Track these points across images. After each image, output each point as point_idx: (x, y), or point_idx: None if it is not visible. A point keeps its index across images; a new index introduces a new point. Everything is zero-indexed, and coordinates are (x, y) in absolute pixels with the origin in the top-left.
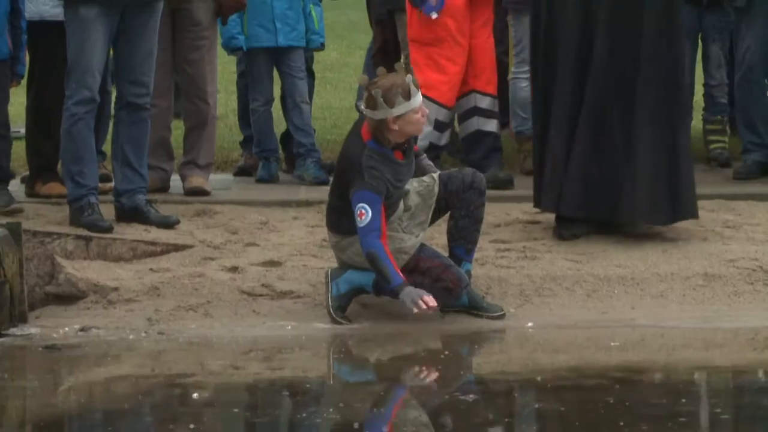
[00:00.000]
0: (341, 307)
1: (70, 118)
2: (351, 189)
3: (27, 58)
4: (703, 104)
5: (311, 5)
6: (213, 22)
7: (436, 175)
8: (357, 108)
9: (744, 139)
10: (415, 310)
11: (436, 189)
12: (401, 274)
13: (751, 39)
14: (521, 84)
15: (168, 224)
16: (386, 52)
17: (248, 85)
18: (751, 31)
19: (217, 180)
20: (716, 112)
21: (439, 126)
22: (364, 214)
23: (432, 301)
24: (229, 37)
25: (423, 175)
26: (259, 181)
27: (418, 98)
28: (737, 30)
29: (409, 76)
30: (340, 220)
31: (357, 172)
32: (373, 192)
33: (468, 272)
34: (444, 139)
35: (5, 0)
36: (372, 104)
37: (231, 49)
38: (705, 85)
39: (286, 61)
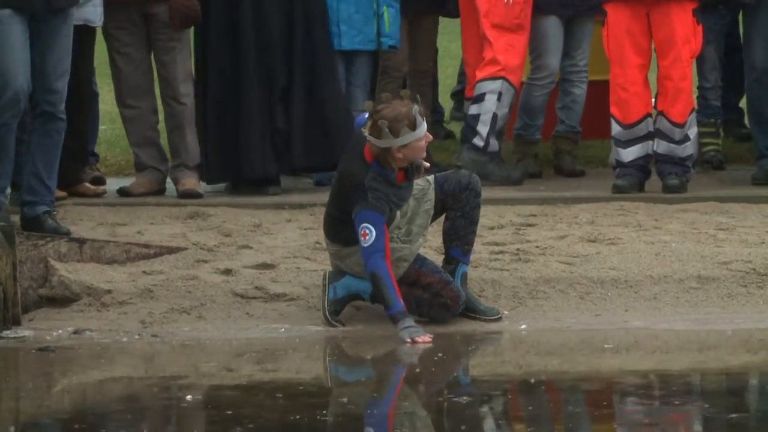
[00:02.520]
0: (336, 311)
1: None
2: (354, 209)
3: None
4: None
5: (385, 6)
6: None
7: (431, 178)
8: (358, 131)
9: (759, 144)
10: (408, 343)
11: (432, 192)
12: (401, 299)
13: (762, 41)
14: (535, 92)
15: (60, 232)
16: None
17: None
18: (761, 33)
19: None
20: (709, 114)
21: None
22: (368, 234)
23: (427, 339)
24: None
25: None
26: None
27: (423, 128)
28: (745, 31)
29: (415, 106)
30: (339, 230)
31: (360, 192)
32: (376, 212)
33: (465, 274)
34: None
35: None
36: (377, 133)
37: None
38: (699, 87)
39: (349, 67)
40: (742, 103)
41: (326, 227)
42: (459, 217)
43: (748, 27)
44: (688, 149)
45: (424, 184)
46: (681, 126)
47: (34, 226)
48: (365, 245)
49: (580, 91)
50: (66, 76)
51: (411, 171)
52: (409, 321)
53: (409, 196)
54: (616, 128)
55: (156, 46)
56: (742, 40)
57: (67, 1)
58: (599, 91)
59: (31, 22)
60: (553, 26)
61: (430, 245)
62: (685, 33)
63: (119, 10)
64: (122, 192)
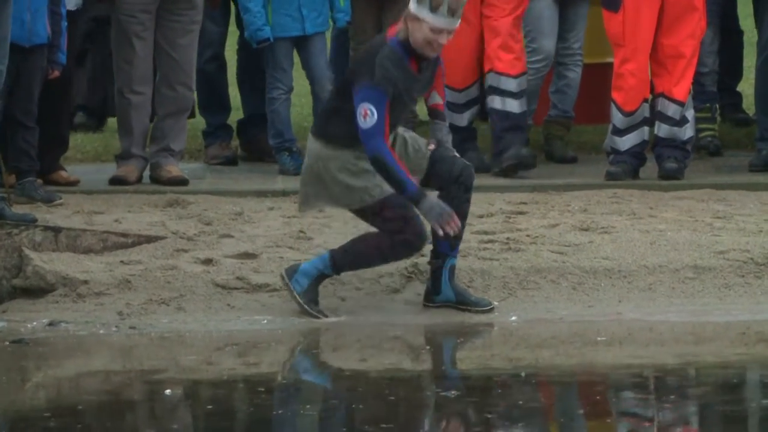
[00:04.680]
0: (312, 300)
1: None
2: (358, 84)
3: None
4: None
5: None
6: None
7: (428, 154)
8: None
9: (760, 127)
10: (440, 232)
11: (425, 165)
12: (414, 180)
13: None
14: (529, 75)
15: (27, 220)
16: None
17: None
18: None
19: (190, 169)
20: (704, 100)
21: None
22: (369, 114)
23: (456, 224)
24: (255, 29)
25: (432, 137)
26: (285, 173)
27: (453, 21)
28: (758, 12)
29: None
30: (329, 121)
31: (369, 67)
32: (380, 90)
33: (452, 267)
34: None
35: None
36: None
37: (258, 42)
38: (695, 72)
39: (310, 48)
40: (740, 87)
41: (316, 125)
42: None
43: (762, 5)
44: (688, 131)
45: (422, 152)
46: (682, 105)
47: None
48: (365, 126)
49: (575, 74)
50: (6, 57)
51: (427, 67)
52: (431, 200)
53: (415, 93)
54: (617, 116)
55: (171, 28)
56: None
57: None
58: (593, 74)
59: None
60: (547, 7)
61: None
62: (702, 7)
63: None
64: (116, 180)
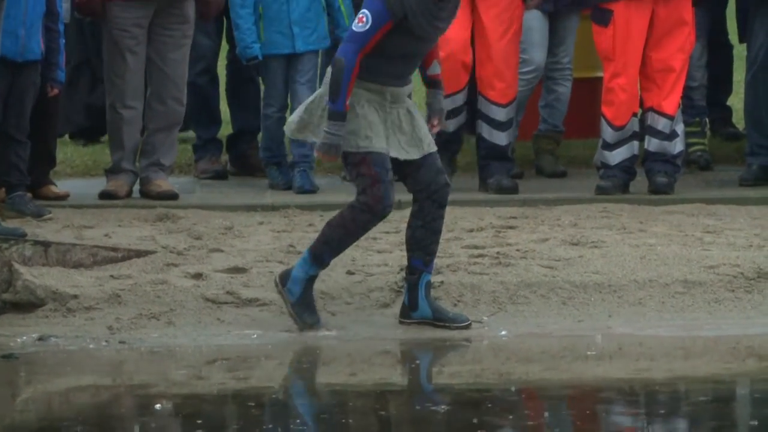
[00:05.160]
0: (308, 306)
1: None
2: None
3: None
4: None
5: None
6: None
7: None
8: None
9: (750, 141)
10: (315, 154)
11: (424, 145)
12: (348, 102)
13: (765, 36)
14: (519, 86)
15: (17, 234)
16: None
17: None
18: (765, 28)
19: (179, 183)
20: (694, 114)
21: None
22: (363, 20)
23: (333, 159)
24: (245, 46)
25: (430, 110)
26: (274, 187)
27: None
28: (748, 25)
29: None
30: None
31: None
32: (386, 8)
33: (428, 283)
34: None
35: (41, 1)
36: None
37: (247, 59)
38: (684, 87)
39: (297, 66)
40: (730, 101)
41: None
42: (419, 227)
43: (752, 20)
44: (678, 145)
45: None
46: (672, 119)
47: None
48: (353, 29)
49: (564, 89)
50: None
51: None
52: (337, 127)
53: (436, 22)
54: (607, 130)
55: (163, 42)
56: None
57: None
58: (582, 88)
59: None
60: (536, 19)
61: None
62: (691, 21)
63: (142, 7)
64: (106, 195)
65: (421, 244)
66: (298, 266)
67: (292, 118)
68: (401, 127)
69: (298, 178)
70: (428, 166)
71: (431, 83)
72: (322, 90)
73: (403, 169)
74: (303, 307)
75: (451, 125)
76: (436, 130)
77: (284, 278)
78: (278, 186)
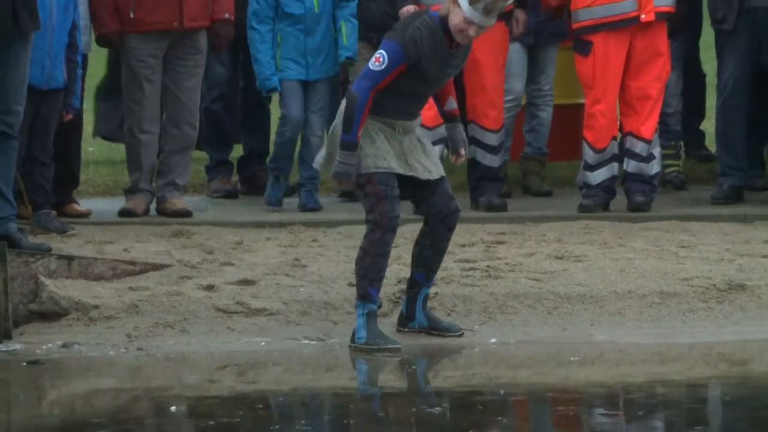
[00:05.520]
0: (377, 337)
1: None
2: (387, 38)
3: None
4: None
5: (342, 21)
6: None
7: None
8: None
9: (721, 163)
10: (334, 183)
11: (432, 172)
12: (359, 134)
13: (734, 66)
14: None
15: (42, 249)
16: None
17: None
18: (734, 58)
19: (193, 201)
20: (670, 138)
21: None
22: (380, 60)
23: (350, 184)
24: (264, 78)
25: (452, 143)
26: (268, 201)
27: (486, 20)
28: (719, 55)
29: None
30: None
31: (403, 28)
32: (402, 49)
33: (426, 296)
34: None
35: (64, 34)
36: None
37: (266, 91)
38: (660, 113)
39: (310, 94)
40: (703, 126)
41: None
42: (428, 247)
43: (722, 51)
44: (655, 167)
45: (432, 169)
46: (649, 143)
47: (9, 243)
48: (370, 67)
49: (546, 114)
50: (23, 99)
51: (461, 50)
52: (349, 157)
53: (445, 69)
54: (588, 152)
55: (178, 72)
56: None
57: (33, 25)
58: (565, 114)
59: None
60: (516, 51)
61: (405, 261)
62: (667, 52)
63: (157, 40)
64: (125, 213)
65: (427, 262)
66: (357, 317)
67: (320, 155)
68: (415, 152)
69: (304, 197)
70: (441, 193)
71: (449, 118)
72: (338, 120)
73: (418, 194)
74: (374, 337)
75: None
76: (462, 160)
77: (352, 337)
78: (270, 202)
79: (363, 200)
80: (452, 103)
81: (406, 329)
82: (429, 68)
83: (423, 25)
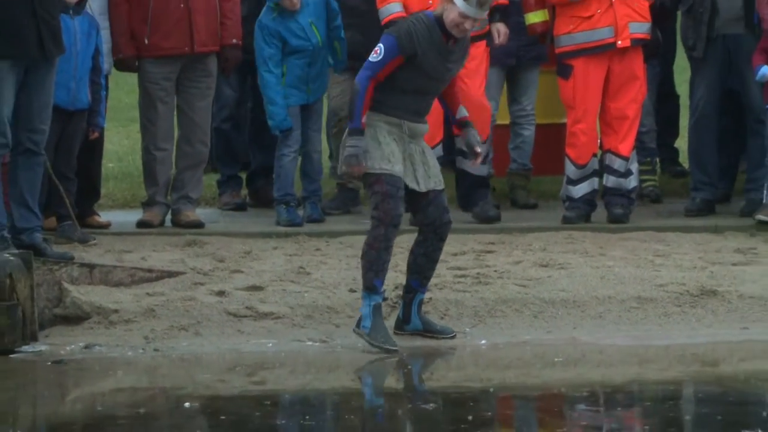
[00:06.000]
0: (383, 334)
1: None
2: (384, 33)
3: None
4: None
5: (336, 42)
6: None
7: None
8: None
9: (694, 178)
10: (343, 168)
11: (431, 182)
12: (363, 120)
13: (704, 89)
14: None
15: (66, 258)
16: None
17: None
18: (704, 81)
19: (205, 214)
20: (647, 155)
21: None
22: (377, 52)
23: (360, 169)
24: (281, 119)
25: (468, 147)
26: (285, 224)
27: (480, 12)
28: (691, 79)
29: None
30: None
31: (400, 24)
32: (397, 41)
33: (421, 301)
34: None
35: (88, 58)
36: None
37: (282, 131)
38: (638, 131)
39: (310, 115)
40: (677, 144)
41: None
42: (422, 255)
43: (694, 75)
44: (632, 182)
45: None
46: (627, 159)
47: (35, 252)
48: (369, 59)
49: (529, 132)
50: (49, 119)
51: (458, 44)
52: (357, 141)
53: (444, 63)
54: (570, 168)
55: (191, 93)
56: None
57: (57, 50)
58: (548, 133)
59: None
60: (494, 75)
61: (401, 269)
62: (643, 76)
63: (170, 63)
64: (142, 224)
65: (420, 269)
66: (362, 305)
67: (340, 163)
68: (415, 160)
69: (309, 208)
70: (436, 205)
71: (462, 124)
72: (347, 133)
73: (416, 203)
74: (376, 334)
75: None
76: (480, 159)
77: (357, 323)
78: (282, 223)
79: (371, 198)
80: (463, 111)
81: (402, 332)
82: (427, 61)
83: (418, 21)
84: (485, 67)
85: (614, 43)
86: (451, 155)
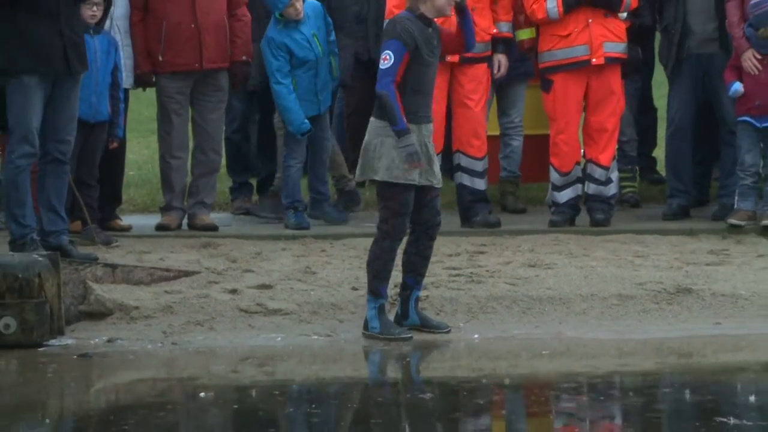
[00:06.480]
0: (391, 327)
1: (15, 169)
2: (384, 42)
3: None
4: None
5: (331, 57)
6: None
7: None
8: None
9: (670, 185)
10: (406, 166)
11: (431, 174)
12: (405, 119)
13: (679, 103)
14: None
15: (90, 259)
16: (360, 114)
17: (285, 147)
18: (678, 96)
19: (219, 218)
20: (626, 163)
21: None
22: (388, 59)
23: (423, 165)
24: (300, 123)
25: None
26: (294, 227)
27: None
28: (668, 94)
29: None
30: (377, 104)
31: (391, 28)
32: (399, 41)
33: (417, 298)
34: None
35: (108, 74)
36: None
37: (302, 133)
38: (617, 141)
39: (321, 124)
40: (655, 153)
41: (374, 106)
42: (414, 254)
43: (670, 89)
44: (612, 189)
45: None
46: (607, 169)
47: (62, 253)
48: (383, 67)
49: (517, 142)
50: (74, 131)
51: (431, 30)
52: (410, 139)
53: (428, 50)
54: (554, 175)
55: (204, 106)
56: (654, 102)
57: (82, 66)
58: (536, 143)
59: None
60: None
61: (398, 271)
62: (619, 91)
63: (183, 79)
64: (161, 227)
65: (414, 267)
66: (368, 309)
67: (358, 168)
68: (432, 159)
69: (329, 211)
70: (431, 207)
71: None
72: (368, 138)
73: (417, 201)
74: (388, 329)
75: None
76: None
77: (365, 326)
78: (290, 226)
79: (381, 209)
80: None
81: (402, 327)
82: (423, 51)
83: (402, 20)
84: (485, 86)
85: (589, 61)
86: (446, 164)
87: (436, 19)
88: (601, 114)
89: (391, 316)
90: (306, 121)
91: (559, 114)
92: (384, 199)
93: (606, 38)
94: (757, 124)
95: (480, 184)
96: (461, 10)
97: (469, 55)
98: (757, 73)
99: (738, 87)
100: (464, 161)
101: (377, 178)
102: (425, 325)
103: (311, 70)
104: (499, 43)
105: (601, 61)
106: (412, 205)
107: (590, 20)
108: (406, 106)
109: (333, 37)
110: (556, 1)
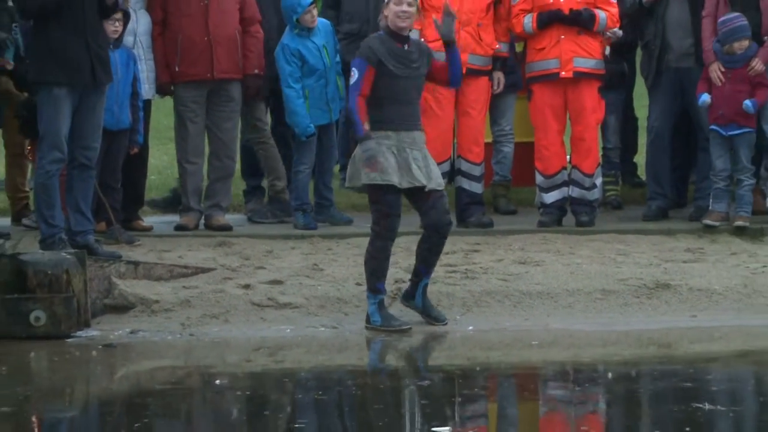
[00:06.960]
0: (392, 319)
1: (45, 174)
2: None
3: None
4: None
5: (337, 76)
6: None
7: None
8: None
9: (650, 189)
10: (363, 168)
11: (420, 178)
12: (366, 126)
13: (658, 112)
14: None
15: (114, 256)
16: None
17: (294, 152)
18: (658, 106)
19: (233, 219)
20: (610, 168)
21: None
22: (353, 75)
23: (375, 170)
24: (305, 127)
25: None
26: (302, 228)
27: (400, 4)
28: (649, 103)
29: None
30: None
31: (360, 47)
32: (361, 58)
33: (425, 285)
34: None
35: (128, 85)
36: None
37: (307, 136)
38: (603, 148)
39: (329, 133)
40: (636, 159)
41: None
42: (426, 249)
43: (650, 100)
44: (595, 194)
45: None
46: (590, 176)
47: (88, 251)
48: (350, 83)
49: (508, 149)
50: (99, 138)
51: (407, 41)
52: (367, 144)
53: (401, 66)
54: (539, 178)
55: (218, 115)
56: (636, 112)
57: (107, 77)
58: (525, 149)
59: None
60: None
61: (399, 266)
62: (593, 105)
63: (197, 88)
64: (179, 227)
65: (425, 259)
66: (368, 305)
67: (347, 174)
68: (419, 164)
69: (335, 215)
70: (437, 209)
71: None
72: (356, 149)
73: (420, 205)
74: (389, 321)
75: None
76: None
77: (367, 320)
78: (299, 227)
79: (372, 211)
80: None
81: (407, 304)
82: (392, 65)
83: (370, 38)
84: (486, 98)
85: (558, 74)
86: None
87: (433, 46)
88: (578, 125)
89: (391, 310)
90: (311, 125)
91: (539, 121)
92: (372, 202)
93: (576, 54)
94: (723, 133)
95: (477, 187)
96: (448, 45)
97: (474, 67)
98: (720, 84)
99: (706, 98)
100: (464, 166)
101: (361, 182)
102: (426, 313)
103: (321, 79)
104: (497, 61)
105: (570, 74)
106: (400, 206)
107: (562, 36)
108: (383, 114)
109: (338, 58)
110: (531, 18)
